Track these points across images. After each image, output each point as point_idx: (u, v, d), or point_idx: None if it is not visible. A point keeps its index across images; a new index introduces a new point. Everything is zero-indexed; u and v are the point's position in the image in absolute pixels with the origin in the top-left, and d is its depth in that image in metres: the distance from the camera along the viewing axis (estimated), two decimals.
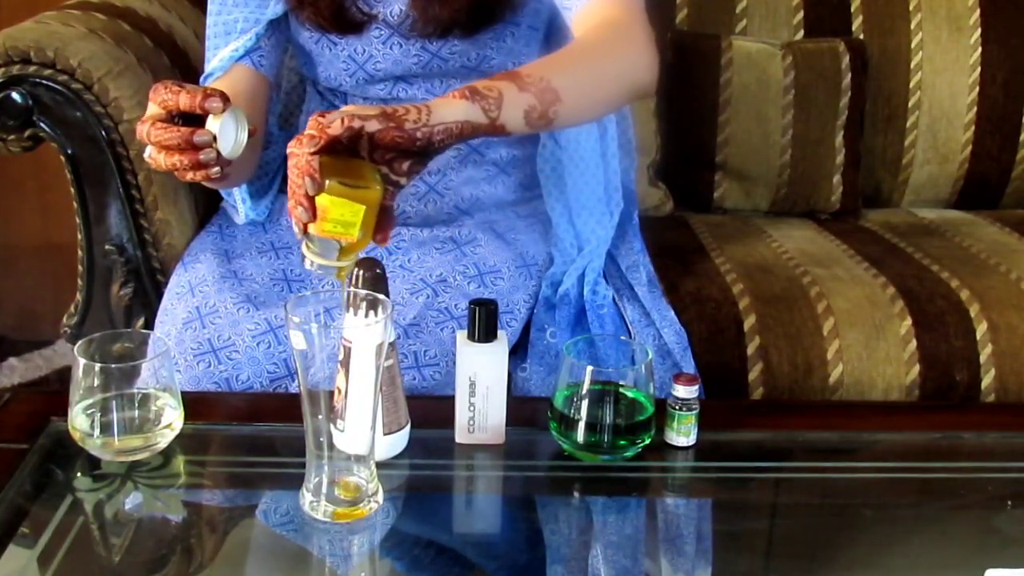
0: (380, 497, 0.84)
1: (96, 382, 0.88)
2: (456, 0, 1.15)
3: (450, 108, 0.88)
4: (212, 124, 0.92)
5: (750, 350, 1.31)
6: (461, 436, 0.95)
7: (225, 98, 0.90)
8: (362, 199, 0.83)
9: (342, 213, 0.82)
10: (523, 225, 1.28)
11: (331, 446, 0.82)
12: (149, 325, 1.29)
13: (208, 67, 1.20)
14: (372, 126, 0.83)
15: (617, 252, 1.30)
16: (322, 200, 0.82)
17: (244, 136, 0.94)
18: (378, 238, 0.87)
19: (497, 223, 1.27)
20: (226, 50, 1.18)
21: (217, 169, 0.93)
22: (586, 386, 0.91)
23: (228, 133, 0.93)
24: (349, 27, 1.19)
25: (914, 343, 1.32)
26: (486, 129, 0.91)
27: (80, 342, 0.89)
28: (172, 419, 0.91)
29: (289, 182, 0.83)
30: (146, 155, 0.95)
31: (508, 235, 1.25)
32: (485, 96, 0.90)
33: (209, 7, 1.21)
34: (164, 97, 0.92)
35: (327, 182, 0.82)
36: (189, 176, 0.94)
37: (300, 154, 0.82)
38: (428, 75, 1.23)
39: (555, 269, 1.24)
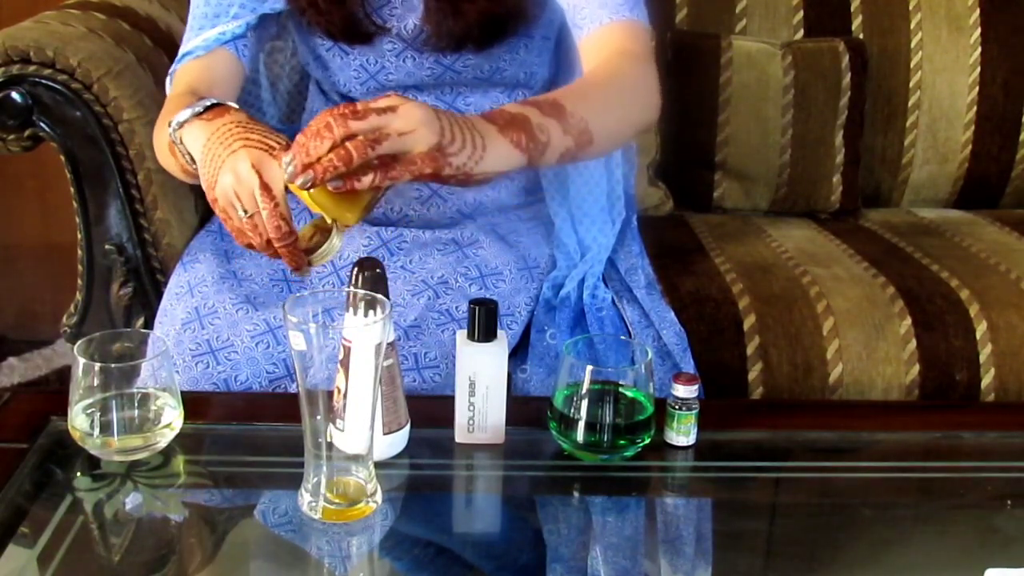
0: (379, 497, 0.84)
1: (96, 382, 0.88)
2: (470, 15, 1.14)
3: (501, 157, 0.88)
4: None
5: (750, 350, 1.31)
6: (461, 436, 0.95)
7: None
8: (335, 216, 0.86)
9: (310, 202, 0.86)
10: (525, 228, 1.28)
11: (330, 446, 0.82)
12: (149, 325, 1.29)
13: (188, 45, 1.17)
14: (404, 179, 0.83)
15: (616, 255, 1.29)
16: (303, 193, 0.84)
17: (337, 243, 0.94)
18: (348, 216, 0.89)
19: (499, 225, 1.27)
20: (213, 31, 1.15)
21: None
22: (586, 386, 0.91)
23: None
24: (360, 38, 1.19)
25: (914, 343, 1.32)
26: (521, 170, 0.92)
27: (80, 342, 0.89)
28: (172, 419, 0.91)
29: (309, 128, 0.82)
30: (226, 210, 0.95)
31: (510, 237, 1.25)
32: (537, 140, 0.90)
33: None
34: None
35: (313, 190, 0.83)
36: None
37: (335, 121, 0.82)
38: (440, 85, 1.22)
39: (558, 273, 1.23)
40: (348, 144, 0.81)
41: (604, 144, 1.00)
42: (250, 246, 0.94)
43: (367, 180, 0.81)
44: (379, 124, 0.83)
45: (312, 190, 0.83)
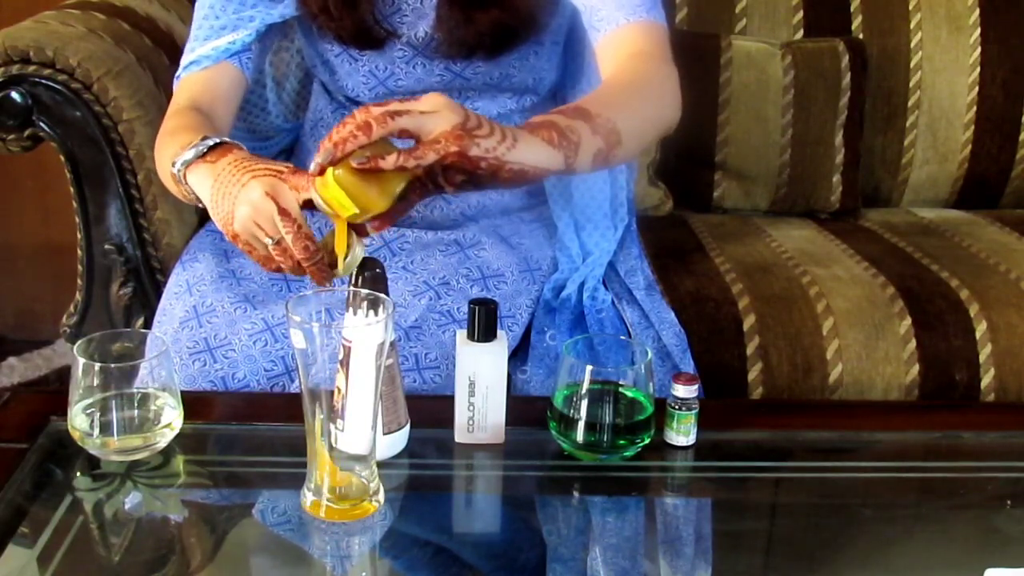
0: (382, 496, 0.84)
1: (96, 382, 0.88)
2: (482, 24, 1.14)
3: (535, 150, 0.87)
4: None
5: (749, 350, 1.31)
6: (461, 436, 0.95)
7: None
8: (364, 204, 0.84)
9: (336, 198, 0.84)
10: (528, 230, 1.28)
11: (332, 446, 0.82)
12: (149, 325, 1.29)
13: (195, 54, 1.17)
14: (430, 159, 0.82)
15: (616, 258, 1.29)
16: (329, 176, 0.83)
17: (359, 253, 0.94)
18: (374, 224, 0.89)
19: (502, 227, 1.27)
20: (221, 41, 1.16)
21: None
22: (586, 386, 0.91)
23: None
24: (370, 44, 1.19)
25: (914, 343, 1.32)
26: (558, 172, 0.90)
27: (80, 342, 0.89)
28: (171, 418, 0.91)
29: (342, 122, 0.82)
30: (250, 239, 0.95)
31: (513, 239, 1.25)
32: (569, 139, 0.89)
33: None
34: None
35: (338, 171, 0.82)
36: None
37: (365, 119, 0.81)
38: (448, 90, 1.22)
39: (559, 275, 1.23)
40: (368, 117, 0.82)
41: (632, 145, 0.99)
42: (278, 270, 0.96)
43: (391, 159, 0.81)
44: (401, 107, 0.83)
45: (338, 172, 0.82)
